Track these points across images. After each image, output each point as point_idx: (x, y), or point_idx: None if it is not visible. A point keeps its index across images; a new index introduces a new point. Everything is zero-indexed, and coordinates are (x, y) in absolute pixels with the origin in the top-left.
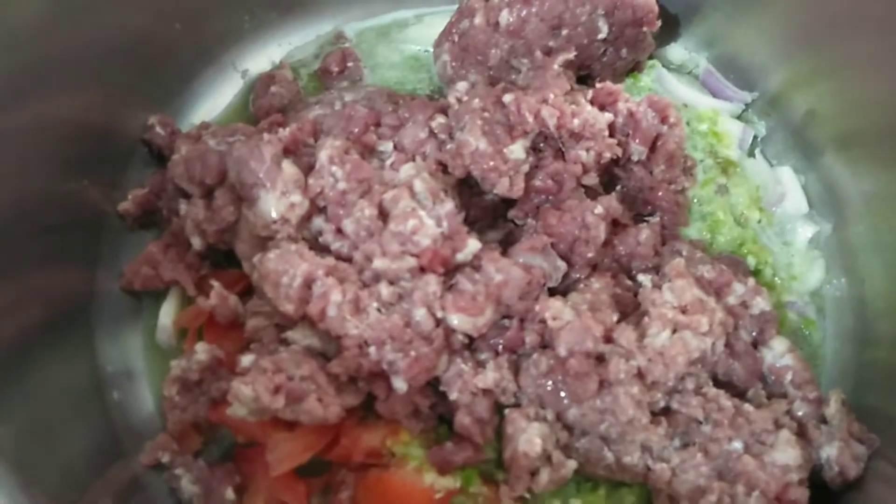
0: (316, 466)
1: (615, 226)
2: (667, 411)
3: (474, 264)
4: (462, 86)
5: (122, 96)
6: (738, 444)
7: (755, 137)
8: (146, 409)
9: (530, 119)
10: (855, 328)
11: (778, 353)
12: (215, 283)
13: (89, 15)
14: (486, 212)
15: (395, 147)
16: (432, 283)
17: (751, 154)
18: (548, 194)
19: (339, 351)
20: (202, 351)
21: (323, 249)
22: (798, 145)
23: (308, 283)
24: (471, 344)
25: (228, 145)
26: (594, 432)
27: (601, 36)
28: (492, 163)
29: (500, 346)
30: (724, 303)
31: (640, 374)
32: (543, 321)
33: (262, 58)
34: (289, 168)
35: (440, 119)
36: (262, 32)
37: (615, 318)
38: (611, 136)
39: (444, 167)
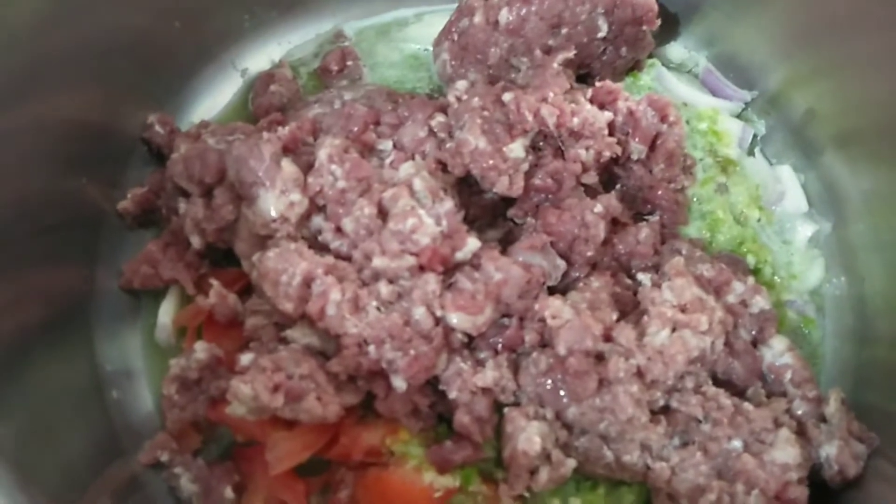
0: (315, 465)
1: (615, 224)
2: (666, 410)
3: (474, 263)
4: (461, 84)
5: (122, 95)
6: (737, 443)
7: (755, 136)
8: (145, 408)
9: (530, 118)
10: (854, 327)
11: (777, 352)
12: (214, 282)
13: (89, 14)
14: (486, 210)
15: (394, 146)
16: (431, 281)
17: (750, 153)
18: (547, 193)
19: (339, 350)
20: (201, 350)
21: (322, 248)
22: (798, 144)
23: (307, 282)
24: (470, 343)
25: (228, 144)
26: (593, 431)
27: (601, 34)
28: (491, 161)
29: (500, 345)
30: (724, 301)
31: (639, 373)
32: (543, 320)
33: (261, 56)
34: (288, 167)
35: (440, 118)
36: (261, 31)
37: (615, 316)
38: (610, 134)
39: (443, 166)
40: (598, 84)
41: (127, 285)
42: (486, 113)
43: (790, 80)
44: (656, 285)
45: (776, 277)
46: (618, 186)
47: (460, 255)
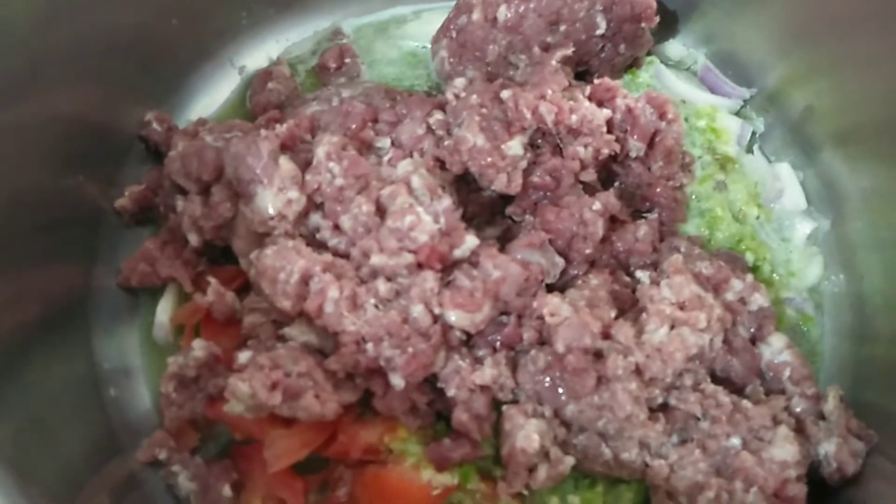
0: (313, 463)
1: (613, 222)
2: (665, 408)
3: (472, 261)
4: (460, 82)
5: (120, 93)
6: (736, 441)
7: (753, 133)
8: (143, 406)
9: (528, 115)
10: (853, 324)
11: (776, 350)
12: (212, 280)
13: (87, 12)
14: (484, 208)
15: (392, 143)
16: (430, 279)
17: (749, 150)
18: (546, 191)
19: (337, 347)
20: (199, 347)
21: (320, 246)
22: (796, 141)
23: (305, 280)
24: (468, 340)
25: (225, 141)
26: (592, 429)
27: (599, 32)
28: (489, 159)
29: (498, 343)
30: (723, 299)
31: (637, 371)
32: (541, 317)
33: (259, 54)
34: (286, 164)
35: (438, 115)
36: (259, 29)
37: (613, 314)
38: (609, 132)
39: (441, 163)
40: (596, 81)
41: (125, 283)
42: (484, 110)
43: (789, 78)
44: (655, 283)
45: (775, 275)
46: (616, 184)
47: (458, 253)
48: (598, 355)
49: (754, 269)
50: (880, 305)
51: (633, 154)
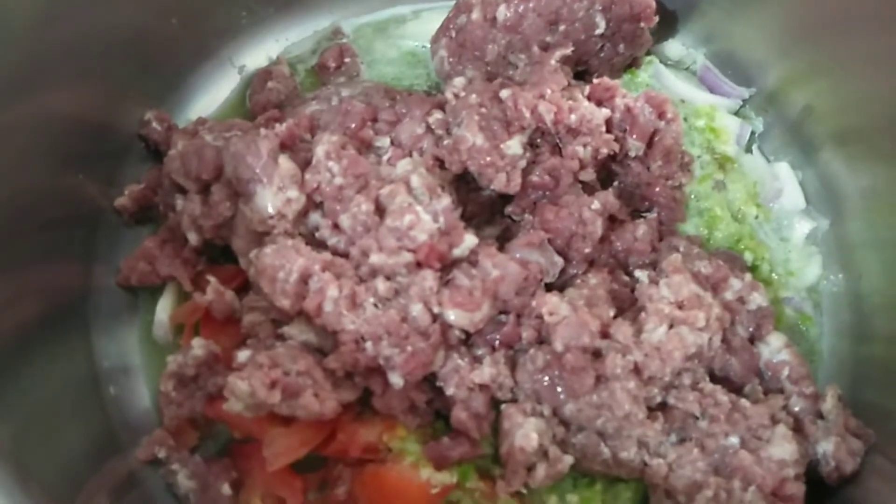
0: (312, 462)
1: (612, 221)
2: (663, 406)
3: (471, 260)
4: (459, 81)
5: (119, 92)
6: (734, 440)
7: (752, 133)
8: (143, 405)
9: (527, 115)
10: (852, 324)
11: (775, 349)
12: (212, 279)
13: (87, 10)
14: (483, 207)
15: (392, 142)
16: (429, 278)
17: (748, 150)
18: (545, 190)
19: (336, 346)
20: (198, 346)
21: (319, 245)
22: (795, 141)
23: (304, 279)
24: (467, 339)
25: (225, 140)
26: (591, 427)
27: (598, 31)
28: (489, 158)
29: (497, 342)
30: (721, 298)
31: (636, 370)
32: (540, 316)
33: (259, 53)
34: (285, 163)
35: (437, 115)
36: (259, 28)
37: (612, 313)
38: (608, 131)
39: (441, 163)
40: (595, 81)
41: (124, 282)
42: (483, 110)
43: (788, 77)
44: (654, 282)
45: (774, 274)
46: (615, 183)
47: (458, 252)
48: (597, 354)
49: (753, 269)
50: (879, 305)
51: (632, 153)
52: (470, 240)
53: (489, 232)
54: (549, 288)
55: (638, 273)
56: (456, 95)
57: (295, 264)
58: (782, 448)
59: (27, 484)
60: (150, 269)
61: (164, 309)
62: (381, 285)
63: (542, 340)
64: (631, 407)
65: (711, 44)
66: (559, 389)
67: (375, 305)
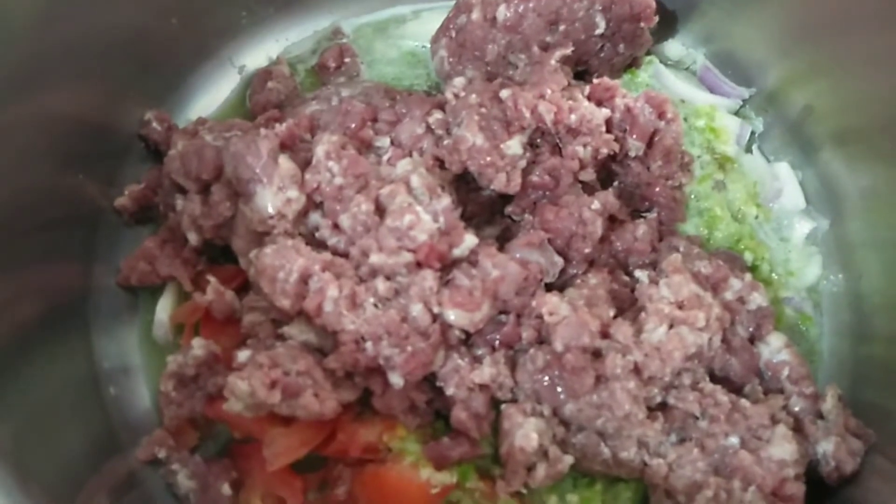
0: (312, 462)
1: (612, 221)
2: (663, 406)
3: (471, 260)
4: (459, 81)
5: (119, 92)
6: (734, 440)
7: (752, 133)
8: (143, 405)
9: (527, 115)
10: (852, 324)
11: (775, 349)
12: (212, 279)
13: (87, 10)
14: (483, 207)
15: (392, 142)
16: (429, 278)
17: (748, 150)
18: (545, 190)
19: (336, 346)
20: (198, 346)
21: (319, 245)
22: (795, 141)
23: (304, 279)
24: (467, 339)
25: (225, 140)
26: (591, 427)
27: (598, 31)
28: (489, 158)
29: (497, 342)
30: (721, 298)
31: (636, 370)
32: (540, 316)
33: (259, 53)
34: (285, 163)
35: (437, 115)
36: (259, 28)
37: (612, 313)
38: (608, 131)
39: (441, 163)
40: (595, 81)
41: (124, 282)
42: (483, 110)
43: (788, 77)
44: (654, 282)
45: (774, 274)
46: (615, 183)
47: (457, 252)
48: (597, 354)
49: (753, 269)
50: (879, 305)
51: (632, 153)
52: (470, 240)
53: (489, 232)
54: (549, 288)
55: (638, 273)
56: (456, 95)
57: (295, 264)
58: (782, 448)
59: (27, 484)
60: (150, 269)
61: (164, 309)
62: (381, 285)
63: (542, 340)
64: (631, 407)
65: (711, 44)
66: (559, 389)
67: (375, 305)
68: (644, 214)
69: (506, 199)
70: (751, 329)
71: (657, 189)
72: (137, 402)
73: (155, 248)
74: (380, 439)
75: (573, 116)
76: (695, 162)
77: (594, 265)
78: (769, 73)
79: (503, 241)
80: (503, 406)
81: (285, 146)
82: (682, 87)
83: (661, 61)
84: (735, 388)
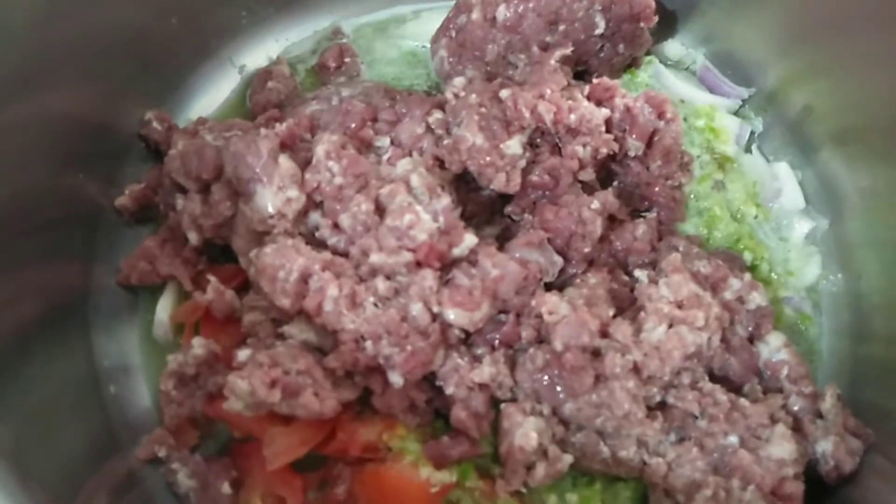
0: (312, 461)
1: (612, 221)
2: (663, 406)
3: (471, 259)
4: (459, 81)
5: (120, 91)
6: (733, 439)
7: (752, 133)
8: (143, 404)
9: (527, 114)
10: (851, 324)
11: (774, 348)
12: (212, 278)
13: (87, 10)
14: (483, 207)
15: (391, 142)
16: (429, 277)
17: (747, 150)
18: (544, 190)
19: (336, 345)
20: (199, 345)
21: (319, 244)
22: (795, 141)
23: (304, 278)
24: (467, 339)
25: (225, 140)
26: (590, 427)
27: (598, 31)
28: (488, 158)
29: (497, 341)
30: (721, 298)
31: (635, 369)
32: (540, 316)
33: (259, 53)
34: (285, 163)
35: (437, 114)
36: (259, 28)
37: (611, 312)
38: (607, 131)
39: (440, 162)
40: (595, 81)
41: (124, 281)
42: (483, 110)
43: (787, 78)
44: (653, 281)
45: (773, 274)
46: (615, 183)
47: (457, 252)
48: (597, 354)
49: (752, 269)
50: (878, 304)
51: (631, 153)
52: (469, 239)
53: (489, 231)
54: (548, 287)
55: (637, 273)
56: (456, 95)
57: (295, 264)
58: (781, 447)
59: (27, 483)
60: (151, 269)
61: (164, 308)
62: (381, 285)
63: (541, 340)
64: (630, 406)
65: (711, 44)
66: (558, 389)
67: (375, 305)
68: (643, 214)
69: (505, 198)
70: (750, 328)
71: (657, 189)
72: (138, 401)
73: (155, 248)
74: (380, 438)
75: (573, 116)
76: (694, 162)
77: (594, 265)
78: (769, 73)
79: (503, 241)
80: (503, 405)
81: (285, 146)
82: (681, 87)
83: (660, 61)
84: (734, 388)
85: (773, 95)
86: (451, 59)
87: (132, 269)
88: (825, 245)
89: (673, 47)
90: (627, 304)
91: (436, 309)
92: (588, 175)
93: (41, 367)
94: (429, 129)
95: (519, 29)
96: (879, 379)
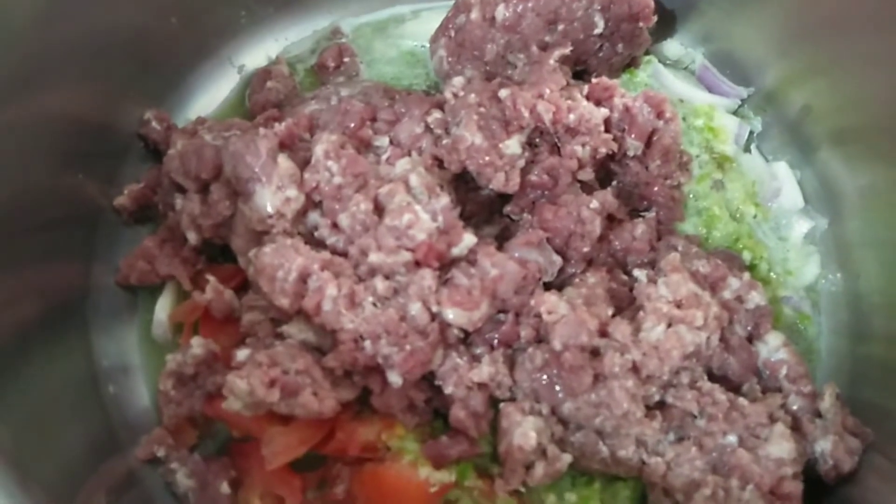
0: (311, 460)
1: (611, 221)
2: (661, 405)
3: (470, 259)
4: (458, 81)
5: (119, 91)
6: (732, 438)
7: (751, 133)
8: (142, 404)
9: (526, 114)
10: (850, 323)
11: (773, 348)
12: (211, 278)
13: (86, 10)
14: (482, 207)
15: (391, 142)
16: (427, 277)
17: (746, 149)
18: (543, 189)
19: (335, 345)
20: (198, 345)
21: (318, 244)
22: (794, 141)
23: (303, 278)
24: (466, 338)
25: (224, 140)
26: (589, 426)
27: (597, 31)
28: (487, 158)
29: (496, 341)
30: (720, 297)
31: (634, 368)
32: (538, 315)
33: (258, 53)
34: (284, 162)
35: (436, 114)
36: (258, 27)
37: (610, 312)
38: (606, 131)
39: (440, 162)
40: (594, 80)
41: (123, 281)
42: (482, 109)
43: (786, 77)
44: (652, 281)
45: (772, 274)
46: (614, 183)
47: (456, 251)
48: (595, 353)
49: (751, 268)
50: (877, 304)
51: (630, 153)
52: (469, 239)
53: (488, 231)
54: (547, 287)
55: (636, 272)
56: (455, 95)
57: (294, 263)
58: (780, 447)
59: (27, 483)
60: (150, 269)
61: (163, 308)
62: (380, 284)
63: (540, 339)
64: (629, 405)
65: (710, 43)
66: (557, 388)
67: (374, 304)
68: (643, 214)
69: (504, 198)
70: (749, 328)
71: (656, 188)
72: (137, 400)
73: (154, 248)
74: (378, 438)
75: (572, 116)
76: (693, 161)
77: (593, 264)
78: (768, 73)
79: (502, 241)
80: (502, 405)
81: (284, 145)
82: (680, 86)
83: (659, 61)
84: (733, 387)
85: (772, 95)
86: (450, 59)
87: (131, 268)
88: (824, 244)
89: (672, 47)
90: (626, 304)
91: (435, 308)
92: (587, 175)
93: (40, 367)
94: (428, 128)
95: (518, 28)
96: (878, 378)
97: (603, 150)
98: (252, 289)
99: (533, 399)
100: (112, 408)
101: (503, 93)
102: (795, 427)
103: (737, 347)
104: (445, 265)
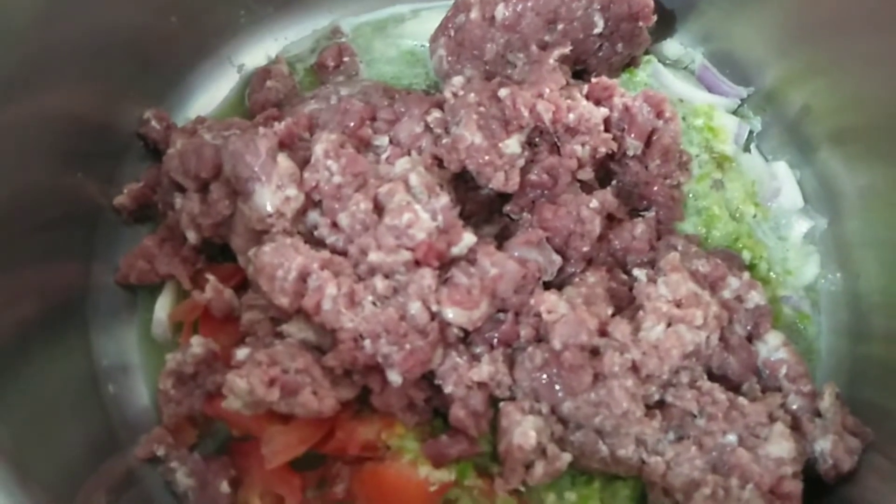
0: (311, 459)
1: (610, 220)
2: (661, 404)
3: (469, 258)
4: (458, 80)
5: (118, 90)
6: (732, 438)
7: (750, 132)
8: (142, 403)
9: (526, 114)
10: (850, 323)
11: (772, 347)
12: (210, 277)
13: (86, 9)
14: (482, 206)
15: (390, 141)
16: (427, 276)
17: (746, 149)
18: (543, 189)
19: (335, 344)
20: (197, 344)
21: (318, 243)
22: (793, 140)
23: (303, 277)
24: (466, 337)
25: (224, 139)
26: (589, 425)
27: (597, 30)
28: (487, 157)
29: (495, 340)
30: (719, 297)
31: (634, 368)
32: (538, 315)
33: (258, 52)
34: (284, 162)
35: (436, 113)
36: (258, 27)
37: (610, 311)
38: (606, 130)
39: (439, 161)
40: (594, 80)
41: (123, 280)
42: (482, 109)
43: (786, 77)
44: (652, 280)
45: (772, 273)
46: (613, 182)
47: (456, 250)
48: (595, 352)
49: (751, 268)
50: (877, 303)
51: (630, 152)
52: (468, 238)
53: (488, 230)
54: (547, 286)
55: (636, 272)
56: (454, 94)
57: (294, 262)
58: (780, 446)
59: (27, 483)
60: (149, 268)
61: (162, 307)
62: (380, 283)
63: (540, 339)
64: (629, 405)
65: (710, 43)
66: (557, 387)
67: (374, 303)
68: (642, 213)
69: (504, 197)
70: (749, 327)
71: (655, 188)
72: (136, 400)
73: (154, 247)
74: (378, 437)
75: (571, 115)
76: (693, 161)
77: (592, 264)
78: (767, 73)
79: (502, 240)
80: (501, 404)
81: (284, 145)
82: (680, 86)
83: (659, 60)
84: (733, 387)
85: (772, 95)
86: (449, 59)
87: (131, 267)
88: (824, 244)
89: (672, 46)
90: (626, 303)
91: (434, 308)
92: (587, 174)
93: (40, 367)
94: (427, 128)
95: (517, 28)
96: (878, 378)
97: (602, 150)
98: (252, 288)
99: (533, 398)
100: (112, 407)
101: (503, 92)
102: (795, 426)
103: (736, 347)
104: (445, 264)
